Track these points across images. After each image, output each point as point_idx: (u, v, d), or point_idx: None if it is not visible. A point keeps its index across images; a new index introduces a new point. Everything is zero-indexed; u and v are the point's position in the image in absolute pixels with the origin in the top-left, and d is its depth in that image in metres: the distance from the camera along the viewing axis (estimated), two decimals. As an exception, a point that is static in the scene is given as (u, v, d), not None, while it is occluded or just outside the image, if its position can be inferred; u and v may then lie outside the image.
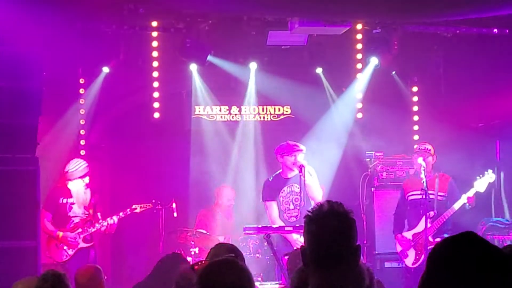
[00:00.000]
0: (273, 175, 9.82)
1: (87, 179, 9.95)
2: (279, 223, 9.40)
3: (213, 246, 4.84)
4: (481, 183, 9.49)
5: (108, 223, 9.92)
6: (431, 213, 9.47)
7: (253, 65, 11.37)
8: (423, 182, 9.31)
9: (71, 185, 9.91)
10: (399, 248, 9.88)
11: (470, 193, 9.46)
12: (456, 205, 9.49)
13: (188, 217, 11.20)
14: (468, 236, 2.45)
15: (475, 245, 2.41)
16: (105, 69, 10.96)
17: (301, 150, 9.48)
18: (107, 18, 10.16)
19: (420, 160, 9.60)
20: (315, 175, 9.47)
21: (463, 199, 9.47)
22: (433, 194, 9.55)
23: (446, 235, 8.66)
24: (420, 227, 9.52)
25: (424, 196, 9.35)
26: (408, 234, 9.78)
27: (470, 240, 2.43)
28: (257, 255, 9.67)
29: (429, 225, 9.40)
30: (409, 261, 9.75)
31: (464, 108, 11.42)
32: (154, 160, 11.56)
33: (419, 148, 9.93)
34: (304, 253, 3.15)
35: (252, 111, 11.91)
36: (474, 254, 2.37)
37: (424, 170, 9.40)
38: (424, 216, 9.37)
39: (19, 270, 7.94)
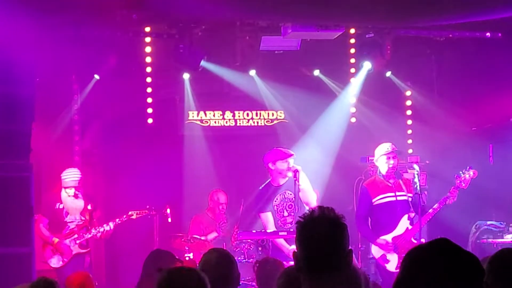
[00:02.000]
0: (263, 185, 9.63)
1: (71, 191, 9.93)
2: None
3: (205, 252, 4.84)
4: (462, 180, 9.38)
5: (104, 229, 9.92)
6: (412, 215, 9.21)
7: (252, 72, 11.38)
8: (416, 186, 9.25)
9: (63, 192, 9.95)
10: (378, 254, 9.38)
11: (451, 191, 9.22)
12: (437, 205, 9.20)
13: (182, 222, 11.19)
14: (441, 243, 2.48)
15: (446, 253, 2.43)
16: (98, 77, 10.95)
17: (292, 155, 9.41)
18: (100, 24, 10.15)
19: (415, 166, 9.53)
20: (308, 180, 9.43)
21: (444, 198, 9.21)
22: (404, 195, 9.31)
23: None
24: (400, 229, 9.27)
25: (411, 199, 9.25)
26: (387, 238, 9.34)
27: (443, 248, 2.46)
28: (251, 260, 9.65)
29: (410, 227, 9.26)
30: (391, 266, 9.25)
31: (457, 112, 11.44)
32: (148, 166, 11.54)
33: (393, 149, 9.48)
34: (296, 259, 3.16)
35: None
36: (444, 262, 2.40)
37: (418, 175, 9.33)
38: (407, 218, 9.19)
39: (13, 277, 7.92)
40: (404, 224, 9.28)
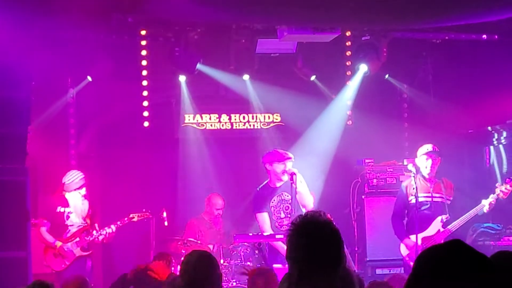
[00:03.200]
0: (261, 186, 9.64)
1: (83, 191, 9.95)
2: (270, 233, 9.34)
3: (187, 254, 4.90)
4: (503, 189, 9.37)
5: (107, 232, 9.90)
6: (443, 217, 9.25)
7: (246, 77, 11.39)
8: (414, 188, 9.24)
9: (68, 195, 9.90)
10: (406, 252, 9.42)
11: (492, 198, 9.20)
12: (475, 210, 9.19)
13: (178, 225, 11.17)
14: (454, 245, 2.46)
15: (460, 255, 2.42)
16: (94, 79, 10.94)
17: (290, 158, 9.41)
18: (95, 27, 10.14)
19: (410, 166, 9.52)
20: (305, 183, 9.42)
21: (482, 204, 9.18)
22: (442, 197, 9.36)
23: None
24: (431, 230, 9.30)
25: (415, 201, 9.26)
26: (417, 237, 9.28)
27: (456, 250, 2.44)
28: (248, 263, 9.63)
29: (441, 229, 9.31)
30: None
31: (453, 114, 11.44)
32: (144, 169, 11.54)
33: (434, 150, 9.51)
34: (289, 263, 3.16)
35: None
36: (458, 264, 2.38)
37: (414, 176, 9.32)
38: (440, 221, 9.22)
39: (9, 281, 7.91)
40: (436, 226, 9.32)
